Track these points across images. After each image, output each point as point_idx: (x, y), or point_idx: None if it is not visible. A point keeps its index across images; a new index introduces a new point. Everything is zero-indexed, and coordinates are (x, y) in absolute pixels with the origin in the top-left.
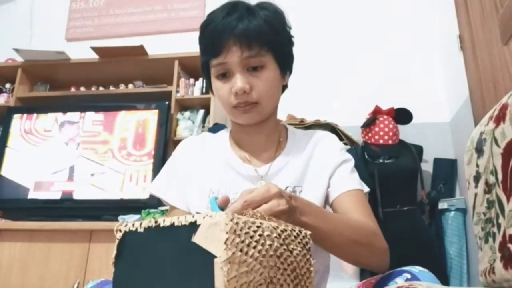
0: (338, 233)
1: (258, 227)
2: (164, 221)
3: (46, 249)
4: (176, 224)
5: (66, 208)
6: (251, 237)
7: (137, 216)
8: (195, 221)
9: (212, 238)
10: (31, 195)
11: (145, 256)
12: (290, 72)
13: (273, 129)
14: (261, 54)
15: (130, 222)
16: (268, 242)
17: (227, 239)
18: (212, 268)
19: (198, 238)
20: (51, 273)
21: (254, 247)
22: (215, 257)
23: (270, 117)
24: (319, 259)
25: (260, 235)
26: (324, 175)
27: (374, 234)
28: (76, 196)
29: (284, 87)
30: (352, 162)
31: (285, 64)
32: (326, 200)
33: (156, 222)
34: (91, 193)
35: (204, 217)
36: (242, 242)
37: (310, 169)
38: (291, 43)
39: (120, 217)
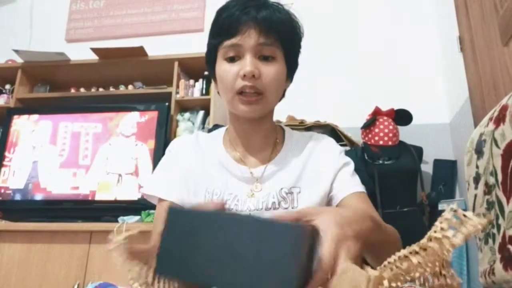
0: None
1: None
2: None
3: (46, 250)
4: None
5: (66, 209)
6: None
7: (137, 217)
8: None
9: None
10: (31, 196)
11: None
12: (291, 79)
13: (270, 129)
14: (275, 45)
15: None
16: None
17: None
18: None
19: None
20: (51, 274)
21: None
22: None
23: (267, 116)
24: None
25: None
26: (324, 180)
27: (386, 227)
28: (76, 197)
29: (283, 93)
30: (352, 165)
31: (291, 67)
32: (328, 205)
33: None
34: (91, 194)
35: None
36: None
37: (307, 171)
38: (299, 51)
39: (120, 218)
